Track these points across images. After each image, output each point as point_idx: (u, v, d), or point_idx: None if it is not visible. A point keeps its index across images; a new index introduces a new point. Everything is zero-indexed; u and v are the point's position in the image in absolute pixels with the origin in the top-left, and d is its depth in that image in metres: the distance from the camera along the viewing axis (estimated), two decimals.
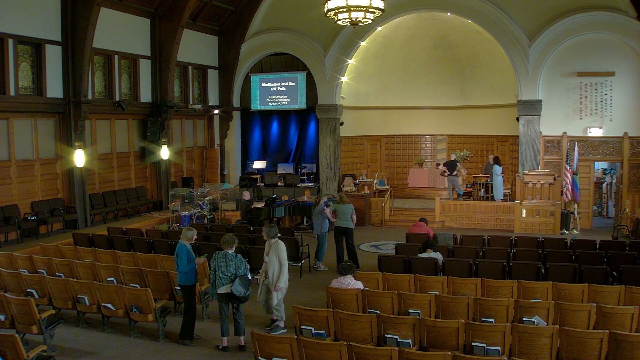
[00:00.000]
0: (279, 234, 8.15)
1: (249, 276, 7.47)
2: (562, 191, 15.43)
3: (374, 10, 11.67)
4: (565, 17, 16.09)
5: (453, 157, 18.31)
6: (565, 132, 16.48)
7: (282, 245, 7.86)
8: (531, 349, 5.69)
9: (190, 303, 7.72)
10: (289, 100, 20.52)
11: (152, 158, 17.11)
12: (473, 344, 5.83)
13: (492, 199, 16.77)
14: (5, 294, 7.49)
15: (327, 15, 11.97)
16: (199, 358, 7.26)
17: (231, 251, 7.36)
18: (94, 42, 14.06)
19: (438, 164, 20.40)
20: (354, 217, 11.67)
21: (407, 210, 17.24)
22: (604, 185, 18.51)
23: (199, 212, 15.34)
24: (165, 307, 8.10)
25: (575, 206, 15.46)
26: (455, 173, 17.54)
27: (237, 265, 7.31)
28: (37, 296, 8.27)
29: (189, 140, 19.63)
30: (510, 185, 17.77)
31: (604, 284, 7.97)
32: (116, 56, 15.81)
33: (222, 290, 7.27)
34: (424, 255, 9.02)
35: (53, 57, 13.67)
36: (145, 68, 16.89)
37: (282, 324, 7.90)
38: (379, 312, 6.64)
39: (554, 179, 15.53)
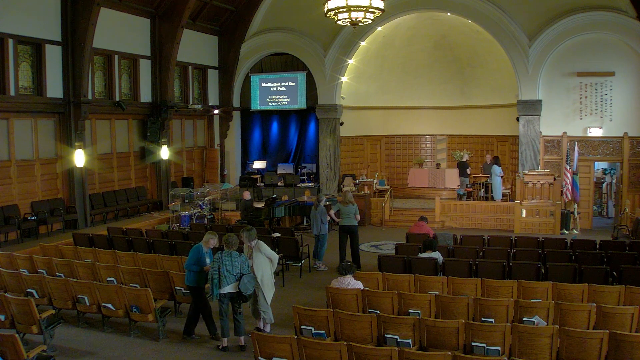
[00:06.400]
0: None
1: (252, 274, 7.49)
2: (562, 191, 15.42)
3: (374, 10, 11.67)
4: (565, 17, 16.09)
5: (465, 158, 18.44)
6: (565, 132, 16.48)
7: (263, 244, 7.76)
8: (531, 349, 5.69)
9: (201, 302, 7.75)
10: (289, 100, 20.52)
11: (152, 158, 17.11)
12: (473, 344, 5.83)
13: (492, 199, 16.79)
14: (5, 294, 7.48)
15: (327, 15, 11.98)
16: (199, 358, 7.26)
17: (235, 250, 7.36)
18: (94, 42, 14.06)
19: (438, 164, 20.45)
20: (358, 217, 11.72)
21: (407, 210, 17.24)
22: (604, 185, 18.51)
23: (199, 212, 15.34)
24: (165, 307, 8.10)
25: (575, 206, 15.45)
26: (468, 173, 17.78)
27: (242, 264, 7.32)
28: (37, 296, 8.27)
29: (189, 140, 19.63)
30: (510, 185, 17.78)
31: (604, 284, 7.96)
32: (116, 56, 15.81)
33: (227, 289, 7.25)
34: (424, 255, 9.02)
35: (53, 57, 13.67)
36: (145, 68, 16.89)
37: (268, 329, 7.78)
38: (379, 312, 6.64)
39: (554, 179, 15.52)
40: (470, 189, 17.76)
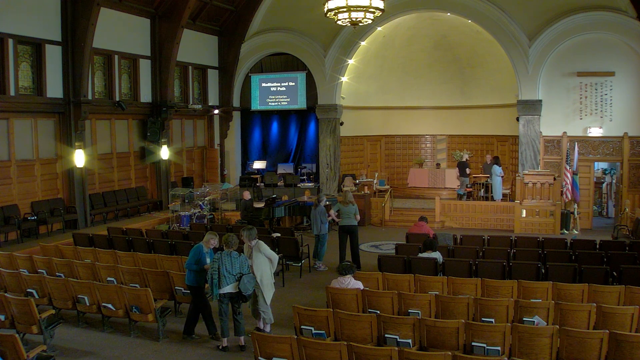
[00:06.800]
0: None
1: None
2: (562, 191, 15.43)
3: (374, 10, 11.67)
4: (565, 17, 16.09)
5: (465, 158, 18.42)
6: (565, 132, 16.48)
7: (263, 244, 7.76)
8: (531, 349, 5.69)
9: (201, 302, 7.75)
10: (289, 100, 20.52)
11: (152, 158, 17.11)
12: (473, 344, 5.83)
13: (492, 199, 16.79)
14: (5, 294, 7.48)
15: (327, 15, 11.98)
16: (199, 358, 7.26)
17: (234, 250, 7.36)
18: (94, 42, 14.06)
19: (438, 164, 20.45)
20: (358, 217, 11.73)
21: (407, 210, 17.24)
22: (604, 185, 18.51)
23: (199, 212, 15.34)
24: (165, 307, 8.09)
25: (575, 206, 15.45)
26: (468, 173, 17.76)
27: (242, 264, 7.33)
28: (37, 296, 8.27)
29: (189, 140, 19.63)
30: (510, 185, 17.78)
31: (604, 284, 7.96)
32: (116, 56, 15.81)
33: (227, 289, 7.25)
34: (424, 255, 9.02)
35: (53, 57, 13.67)
36: (145, 68, 16.89)
37: (268, 329, 7.78)
38: (379, 312, 6.64)
39: (554, 179, 15.52)
40: (470, 189, 17.75)
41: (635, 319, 6.30)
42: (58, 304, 8.26)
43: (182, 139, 19.08)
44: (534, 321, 6.39)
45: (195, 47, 19.01)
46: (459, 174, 18.06)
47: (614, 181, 17.76)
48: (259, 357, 5.75)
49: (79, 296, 7.99)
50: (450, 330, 5.92)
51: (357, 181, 19.05)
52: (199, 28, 19.04)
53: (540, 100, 16.65)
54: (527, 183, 15.60)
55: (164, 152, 17.19)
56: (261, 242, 7.77)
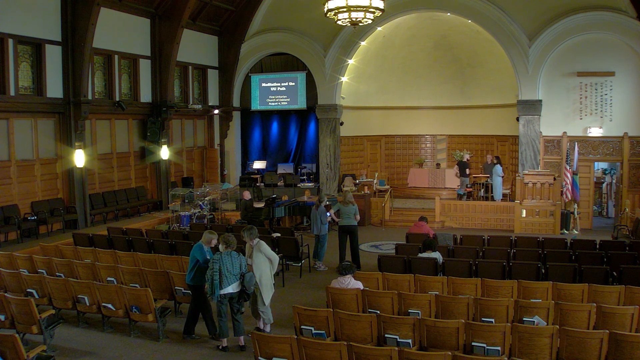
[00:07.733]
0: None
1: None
2: (562, 191, 15.43)
3: (374, 10, 11.69)
4: (565, 17, 16.09)
5: (466, 158, 18.42)
6: (565, 132, 16.48)
7: (264, 244, 7.76)
8: (531, 349, 5.69)
9: (202, 302, 7.74)
10: (289, 100, 20.52)
11: (152, 158, 17.11)
12: (473, 344, 5.83)
13: (492, 199, 16.79)
14: (5, 294, 7.48)
15: (327, 15, 11.99)
16: (199, 358, 7.26)
17: (234, 250, 7.36)
18: (94, 42, 14.07)
19: (438, 164, 20.45)
20: (357, 217, 11.73)
21: (407, 210, 17.24)
22: (604, 185, 18.51)
23: (199, 212, 15.35)
24: (165, 307, 8.09)
25: (575, 206, 15.46)
26: (468, 173, 17.76)
27: (241, 264, 7.35)
28: (37, 296, 8.27)
29: (189, 140, 19.63)
30: (510, 185, 17.78)
31: (604, 284, 7.97)
32: (116, 56, 15.81)
33: (228, 290, 7.25)
34: (424, 255, 9.02)
35: (53, 57, 13.67)
36: (145, 68, 16.89)
37: (268, 329, 7.78)
38: (379, 312, 6.64)
39: (554, 179, 15.52)
40: (470, 189, 17.75)
41: (635, 319, 6.30)
42: (58, 304, 8.26)
43: (182, 139, 19.08)
44: (534, 321, 6.39)
45: (195, 47, 19.01)
46: (458, 173, 18.04)
47: (614, 181, 17.76)
48: (259, 357, 5.75)
49: (79, 296, 7.99)
50: (450, 330, 5.92)
51: (357, 181, 19.05)
52: (199, 28, 19.04)
53: (540, 100, 16.65)
54: (527, 183, 15.59)
55: (164, 152, 17.19)
56: (262, 242, 7.77)
